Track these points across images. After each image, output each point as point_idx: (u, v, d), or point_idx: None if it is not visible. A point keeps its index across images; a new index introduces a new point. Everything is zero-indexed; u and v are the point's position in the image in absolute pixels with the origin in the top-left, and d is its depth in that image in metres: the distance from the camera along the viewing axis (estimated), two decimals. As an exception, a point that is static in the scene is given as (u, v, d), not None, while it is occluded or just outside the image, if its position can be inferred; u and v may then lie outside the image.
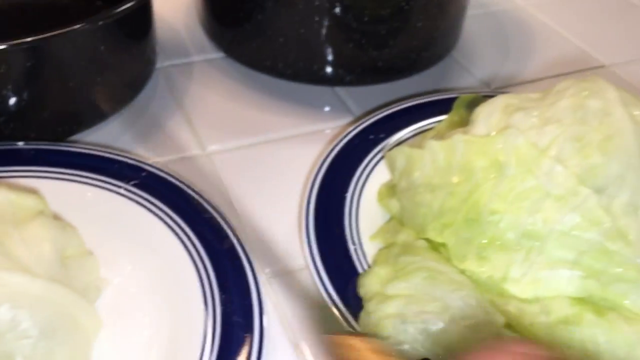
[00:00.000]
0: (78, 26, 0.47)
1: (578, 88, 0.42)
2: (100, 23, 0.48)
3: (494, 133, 0.41)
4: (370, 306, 0.37)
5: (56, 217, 0.39)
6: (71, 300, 0.35)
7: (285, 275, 0.45)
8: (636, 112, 0.40)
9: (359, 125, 0.52)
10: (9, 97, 0.47)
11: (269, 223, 0.48)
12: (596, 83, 0.42)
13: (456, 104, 0.52)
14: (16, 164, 0.46)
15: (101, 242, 0.43)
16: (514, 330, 0.36)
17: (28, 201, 0.38)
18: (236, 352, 0.36)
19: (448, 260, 0.39)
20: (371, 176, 0.49)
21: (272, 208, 0.49)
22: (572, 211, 0.36)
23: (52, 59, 0.47)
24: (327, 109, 0.60)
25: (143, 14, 0.56)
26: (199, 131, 0.56)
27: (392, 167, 0.46)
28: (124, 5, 0.49)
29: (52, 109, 0.50)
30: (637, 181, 0.37)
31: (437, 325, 0.35)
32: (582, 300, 0.36)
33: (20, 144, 0.48)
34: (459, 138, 0.41)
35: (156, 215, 0.44)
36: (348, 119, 0.59)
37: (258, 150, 0.55)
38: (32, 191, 0.41)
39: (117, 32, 0.52)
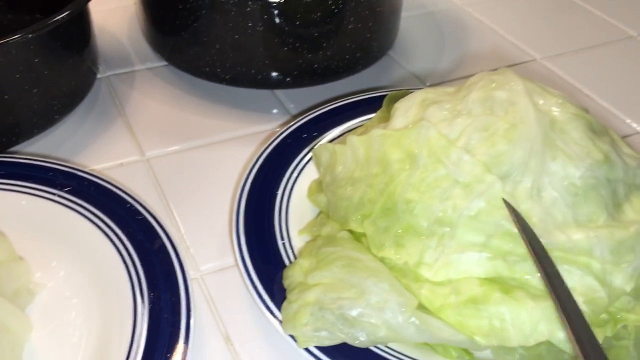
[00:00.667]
0: (8, 39, 0.48)
1: (488, 80, 0.44)
2: (31, 36, 0.49)
3: (410, 126, 0.43)
4: (292, 296, 0.39)
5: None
6: (-3, 305, 0.36)
7: (218, 273, 0.46)
8: (540, 101, 0.42)
9: (291, 125, 0.54)
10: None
11: (204, 223, 0.50)
12: (504, 75, 0.44)
13: (386, 101, 0.54)
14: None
15: (35, 247, 0.44)
16: (426, 312, 0.37)
17: (-45, 210, 0.39)
18: (164, 348, 0.37)
19: (367, 249, 0.40)
20: (303, 173, 0.50)
21: (208, 208, 0.51)
22: (478, 197, 0.38)
23: (-15, 72, 0.49)
24: (267, 111, 0.61)
25: (78, 25, 0.57)
26: (139, 137, 0.57)
27: (318, 163, 0.47)
28: (55, 17, 0.50)
29: (-13, 121, 0.51)
30: (540, 166, 0.39)
31: (353, 310, 0.37)
32: (490, 280, 0.38)
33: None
34: (376, 132, 0.43)
35: (89, 219, 0.45)
36: (288, 120, 0.60)
37: (196, 154, 0.56)
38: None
39: (51, 43, 0.53)
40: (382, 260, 0.40)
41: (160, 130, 0.58)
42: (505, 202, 0.38)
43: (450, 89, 0.46)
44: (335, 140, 0.53)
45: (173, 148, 0.57)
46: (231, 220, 0.46)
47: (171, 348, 0.37)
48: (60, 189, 0.47)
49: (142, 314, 0.39)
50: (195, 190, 0.52)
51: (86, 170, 0.48)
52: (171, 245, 0.43)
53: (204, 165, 0.55)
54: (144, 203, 0.46)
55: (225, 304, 0.44)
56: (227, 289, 0.45)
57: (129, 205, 0.46)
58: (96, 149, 0.56)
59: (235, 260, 0.43)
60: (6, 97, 0.51)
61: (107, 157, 0.55)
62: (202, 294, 0.45)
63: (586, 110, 0.44)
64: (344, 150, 0.45)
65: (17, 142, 0.54)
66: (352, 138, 0.44)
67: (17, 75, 0.51)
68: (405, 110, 0.45)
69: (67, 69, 0.56)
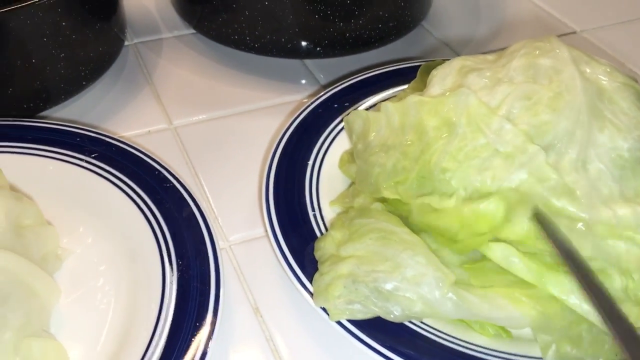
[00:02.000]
0: (36, 1, 0.47)
1: (531, 47, 0.42)
2: (59, -2, 0.48)
3: (448, 94, 0.41)
4: (324, 268, 0.38)
5: (12, 189, 0.39)
6: (26, 269, 0.35)
7: (246, 243, 0.45)
8: (587, 70, 0.40)
9: (323, 95, 0.53)
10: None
11: (232, 193, 0.49)
12: (549, 42, 0.42)
13: (420, 71, 0.52)
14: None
15: (63, 213, 0.43)
16: (464, 288, 0.36)
17: (-16, 173, 0.38)
18: (192, 317, 0.36)
19: (400, 222, 0.39)
20: (334, 144, 0.49)
21: (236, 178, 0.50)
22: (520, 168, 0.37)
23: (12, 35, 0.48)
24: (296, 81, 0.60)
25: (106, -10, 0.56)
26: (167, 105, 0.56)
27: (350, 131, 0.46)
28: (83, -20, 0.49)
29: (16, 86, 0.50)
30: (586, 137, 0.38)
31: (388, 284, 0.36)
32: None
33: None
34: (412, 99, 0.41)
35: (117, 186, 0.44)
36: (317, 90, 0.59)
37: (224, 123, 0.55)
38: (-7, 165, 0.41)
39: (78, 7, 0.52)
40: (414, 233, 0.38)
41: (187, 98, 0.57)
42: (538, 211, 0.35)
43: (490, 57, 0.44)
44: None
45: (201, 117, 0.55)
46: (260, 190, 0.45)
47: (200, 318, 0.36)
48: (88, 155, 0.46)
49: (171, 282, 0.38)
50: (224, 160, 0.51)
51: (114, 136, 0.47)
52: (200, 213, 0.42)
53: (233, 134, 0.54)
54: (172, 171, 0.45)
55: (254, 274, 0.43)
56: (256, 260, 0.44)
57: (157, 172, 0.45)
58: (124, 116, 0.55)
59: (265, 230, 0.42)
60: (34, 61, 0.50)
61: (135, 125, 0.54)
62: (231, 264, 0.44)
63: (635, 80, 0.42)
64: (378, 117, 0.43)
65: (45, 108, 0.53)
66: (387, 105, 0.42)
67: (45, 39, 0.50)
68: (442, 78, 0.43)
69: (95, 35, 0.55)
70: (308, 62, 0.62)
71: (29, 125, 0.48)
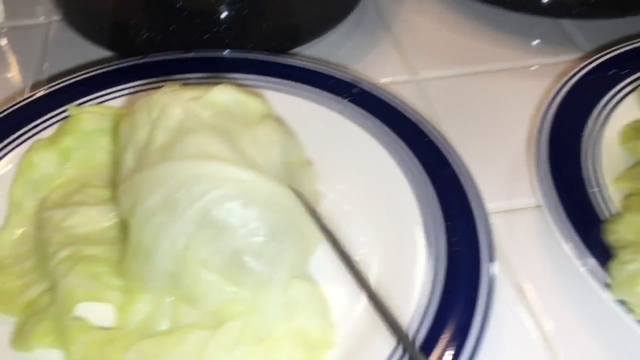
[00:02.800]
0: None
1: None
2: None
3: None
4: (625, 255, 0.32)
5: (280, 123, 0.38)
6: (298, 209, 0.33)
7: (506, 214, 0.40)
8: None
9: (596, 60, 0.46)
10: (231, 6, 0.47)
11: (486, 158, 0.44)
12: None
13: None
14: (240, 72, 0.45)
15: (316, 155, 0.41)
16: None
17: (255, 104, 0.37)
18: (462, 290, 0.33)
19: None
20: (612, 116, 0.43)
21: (492, 143, 0.45)
22: None
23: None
24: (552, 43, 0.54)
25: None
26: (409, 57, 0.53)
27: (647, 104, 0.39)
28: None
29: (272, 22, 0.49)
30: None
31: None
32: None
33: (246, 53, 0.47)
34: None
35: (372, 133, 0.41)
36: (575, 54, 0.52)
37: (474, 81, 0.50)
38: (258, 95, 0.40)
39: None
40: None
41: (432, 51, 0.53)
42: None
43: None
44: (654, 82, 0.44)
45: (448, 72, 0.51)
46: (529, 159, 0.40)
47: (473, 289, 0.32)
48: (343, 98, 0.43)
49: (436, 247, 0.35)
50: (475, 121, 0.47)
51: (370, 82, 0.45)
52: (465, 174, 0.38)
53: (484, 94, 0.49)
54: (432, 125, 0.42)
55: (517, 251, 0.38)
56: (518, 234, 0.39)
57: (415, 124, 0.42)
58: (365, 63, 0.52)
59: (537, 202, 0.37)
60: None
61: (377, 74, 0.51)
62: (489, 234, 0.39)
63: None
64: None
65: (292, 46, 0.52)
66: None
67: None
68: None
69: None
70: (564, 22, 0.55)
71: (286, 63, 0.46)
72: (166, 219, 0.31)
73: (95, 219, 0.37)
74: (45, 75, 0.51)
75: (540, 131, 0.41)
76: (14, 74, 0.52)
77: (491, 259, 0.34)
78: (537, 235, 0.39)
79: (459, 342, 0.30)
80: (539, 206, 0.40)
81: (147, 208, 0.31)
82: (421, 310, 0.32)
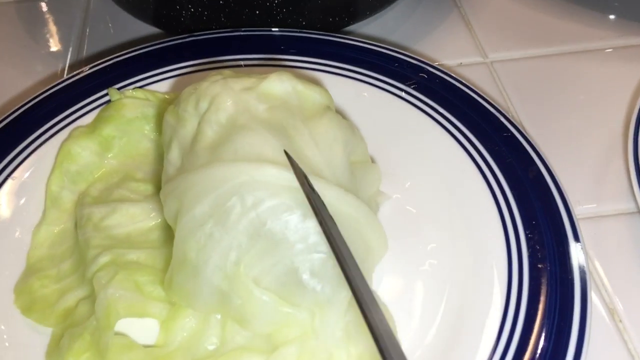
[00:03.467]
0: None
1: None
2: None
3: None
4: None
5: (342, 116, 0.33)
6: (364, 215, 0.29)
7: (595, 220, 0.36)
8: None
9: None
10: (284, -21, 0.43)
11: (569, 152, 0.39)
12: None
13: None
14: (294, 53, 0.41)
15: (378, 150, 0.37)
16: None
17: (314, 94, 0.33)
18: (553, 315, 0.28)
19: None
20: None
21: (577, 136, 0.40)
22: None
23: None
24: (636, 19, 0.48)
25: None
26: (480, 36, 0.48)
27: None
28: None
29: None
30: None
31: None
32: None
33: (300, 32, 0.43)
34: None
35: (443, 127, 0.37)
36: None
37: (554, 63, 0.45)
38: (317, 83, 0.36)
39: None
40: None
41: (506, 30, 0.48)
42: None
43: None
44: None
45: (524, 53, 0.46)
46: (627, 155, 0.35)
47: (563, 313, 0.28)
48: (408, 84, 0.39)
49: (519, 259, 0.31)
50: (557, 111, 0.42)
51: (436, 65, 0.40)
52: (550, 175, 0.34)
53: (567, 79, 0.44)
54: (511, 117, 0.37)
55: (609, 263, 0.34)
56: (608, 243, 0.34)
57: (491, 117, 0.37)
58: (429, 42, 0.47)
59: (637, 209, 0.33)
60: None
61: (444, 54, 0.46)
62: (572, 243, 0.35)
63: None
64: None
65: (349, 23, 0.47)
66: None
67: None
68: None
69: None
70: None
71: (343, 43, 0.42)
72: (216, 231, 0.27)
73: (138, 218, 0.34)
74: (84, 54, 0.48)
75: (638, 121, 0.36)
76: (50, 51, 0.48)
77: (582, 279, 0.29)
78: (632, 245, 0.34)
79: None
80: (636, 212, 0.35)
81: (195, 217, 0.28)
82: (502, 346, 0.28)
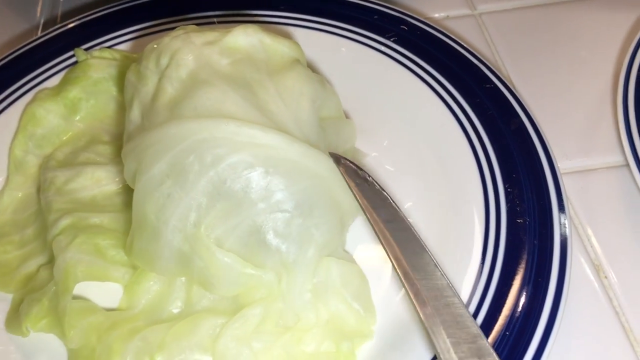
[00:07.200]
0: None
1: None
2: None
3: None
4: None
5: (312, 69, 0.32)
6: (331, 172, 0.28)
7: (580, 175, 0.34)
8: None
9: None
10: None
11: (557, 106, 0.37)
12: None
13: None
14: (265, 7, 0.39)
15: (355, 106, 0.36)
16: None
17: (283, 47, 0.31)
18: (524, 269, 0.27)
19: None
20: None
21: (567, 90, 0.38)
22: None
23: None
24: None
25: None
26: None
27: None
28: None
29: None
30: None
31: None
32: None
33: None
34: None
35: (423, 80, 0.35)
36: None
37: (543, 14, 0.43)
38: (286, 36, 0.34)
39: None
40: None
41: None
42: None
43: None
44: None
45: (513, 3, 0.44)
46: (616, 108, 0.33)
47: (540, 270, 0.27)
48: (387, 37, 0.37)
49: (497, 216, 0.29)
50: (545, 63, 0.40)
51: (420, 18, 0.38)
52: (534, 128, 0.32)
53: (556, 30, 0.42)
54: (494, 69, 0.35)
55: (595, 219, 0.32)
56: (595, 198, 0.33)
57: (474, 68, 0.35)
58: (414, -5, 0.45)
59: (625, 162, 0.31)
60: None
61: (430, 6, 0.44)
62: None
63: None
64: None
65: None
66: None
67: None
68: None
69: None
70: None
71: (320, -5, 0.40)
72: (174, 191, 0.26)
73: (103, 181, 0.32)
74: (58, 11, 0.46)
75: (628, 73, 0.34)
76: (20, 12, 0.47)
77: (562, 234, 0.28)
78: (620, 199, 0.32)
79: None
80: (624, 165, 0.33)
81: (153, 177, 0.26)
82: (476, 300, 0.27)
